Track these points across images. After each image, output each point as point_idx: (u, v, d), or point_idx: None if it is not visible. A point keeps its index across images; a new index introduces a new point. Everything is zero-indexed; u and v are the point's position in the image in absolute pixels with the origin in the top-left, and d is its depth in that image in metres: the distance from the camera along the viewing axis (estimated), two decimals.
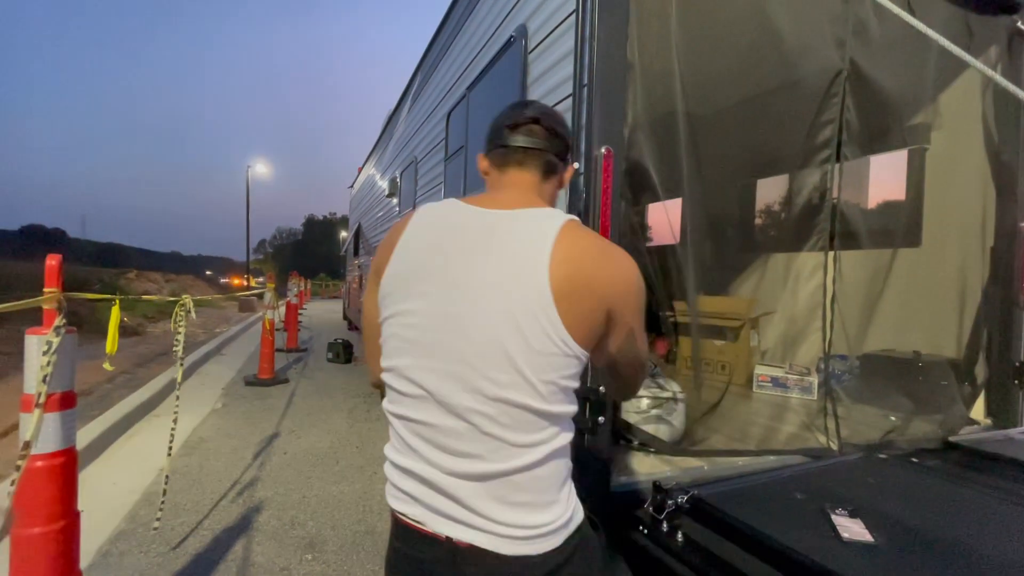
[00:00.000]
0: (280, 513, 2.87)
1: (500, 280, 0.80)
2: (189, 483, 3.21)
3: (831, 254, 2.24)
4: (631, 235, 1.81)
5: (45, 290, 1.47)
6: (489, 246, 0.82)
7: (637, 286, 0.87)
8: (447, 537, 0.80)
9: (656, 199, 1.91)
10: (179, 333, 2.60)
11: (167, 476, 2.68)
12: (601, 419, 1.56)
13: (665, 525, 1.42)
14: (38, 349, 1.45)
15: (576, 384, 0.84)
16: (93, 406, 4.48)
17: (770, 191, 4.21)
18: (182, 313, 2.69)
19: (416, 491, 0.84)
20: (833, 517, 1.38)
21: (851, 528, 1.33)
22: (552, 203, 0.97)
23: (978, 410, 2.61)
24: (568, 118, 1.65)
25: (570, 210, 1.56)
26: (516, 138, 0.93)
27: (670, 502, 1.44)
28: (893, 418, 2.44)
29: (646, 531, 1.46)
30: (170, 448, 2.68)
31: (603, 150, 1.51)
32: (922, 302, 2.85)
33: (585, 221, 1.53)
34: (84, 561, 2.32)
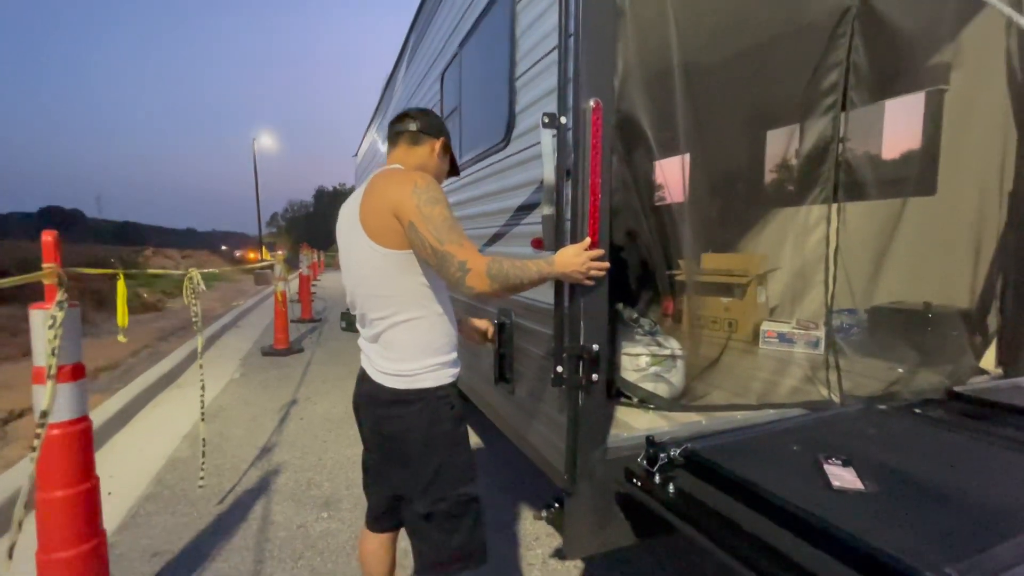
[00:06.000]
0: (297, 475, 3.00)
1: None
2: (211, 449, 3.34)
3: (835, 206, 2.17)
4: (624, 191, 1.76)
5: (44, 265, 1.50)
6: None
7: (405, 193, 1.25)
8: (363, 369, 1.43)
9: (650, 153, 1.85)
10: (194, 305, 2.69)
11: (204, 440, 2.91)
12: (595, 376, 1.56)
13: (657, 477, 1.44)
14: (43, 324, 1.49)
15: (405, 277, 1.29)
16: (119, 379, 4.66)
17: (775, 143, 4.05)
18: (191, 287, 2.77)
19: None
20: (825, 467, 1.39)
21: (842, 477, 1.34)
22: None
23: (989, 360, 2.56)
24: (555, 71, 1.59)
25: (558, 166, 1.52)
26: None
27: (663, 455, 1.46)
28: (900, 370, 2.42)
29: (639, 483, 1.49)
30: (203, 414, 2.88)
31: (591, 103, 1.45)
32: (936, 252, 2.76)
33: (574, 177, 1.50)
34: (115, 522, 2.47)
